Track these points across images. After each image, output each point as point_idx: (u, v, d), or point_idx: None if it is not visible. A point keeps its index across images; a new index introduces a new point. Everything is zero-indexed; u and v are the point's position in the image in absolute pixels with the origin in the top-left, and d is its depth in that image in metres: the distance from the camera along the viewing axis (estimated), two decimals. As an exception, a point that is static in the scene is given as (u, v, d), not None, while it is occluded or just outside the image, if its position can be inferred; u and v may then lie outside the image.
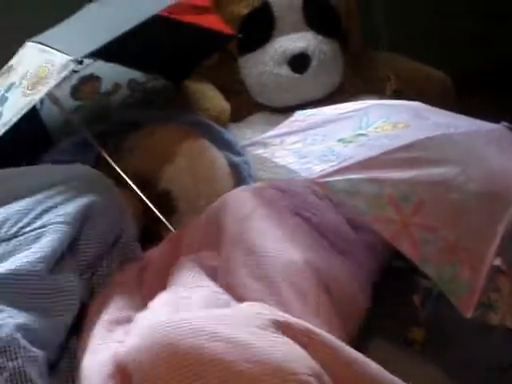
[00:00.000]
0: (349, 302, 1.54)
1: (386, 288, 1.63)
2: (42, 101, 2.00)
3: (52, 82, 1.61)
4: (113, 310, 1.50)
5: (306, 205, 1.70)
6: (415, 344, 1.51)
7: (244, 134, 2.25)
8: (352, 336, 1.48)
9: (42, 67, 1.65)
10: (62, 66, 1.62)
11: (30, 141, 2.02)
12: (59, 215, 1.51)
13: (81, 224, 1.54)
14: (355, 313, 1.55)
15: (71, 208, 1.53)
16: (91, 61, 2.04)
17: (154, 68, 2.14)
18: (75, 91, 2.12)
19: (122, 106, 2.17)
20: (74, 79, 2.10)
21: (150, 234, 1.85)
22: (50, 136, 2.09)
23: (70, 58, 1.62)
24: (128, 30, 1.65)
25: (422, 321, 1.53)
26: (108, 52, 1.90)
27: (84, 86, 2.12)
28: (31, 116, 1.98)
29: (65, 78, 1.71)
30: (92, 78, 2.12)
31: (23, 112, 1.61)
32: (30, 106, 1.61)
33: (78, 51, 1.65)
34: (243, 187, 1.84)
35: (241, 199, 1.69)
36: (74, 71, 2.02)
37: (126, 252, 1.64)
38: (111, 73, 2.12)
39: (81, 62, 1.64)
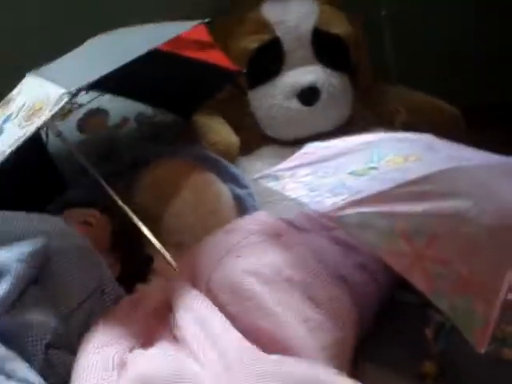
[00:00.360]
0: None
1: (398, 320, 1.62)
2: (47, 134, 2.02)
3: (47, 114, 1.61)
4: (106, 338, 1.50)
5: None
6: (428, 378, 1.49)
7: (253, 167, 2.25)
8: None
9: (38, 99, 1.66)
10: (56, 98, 1.62)
11: (38, 175, 2.04)
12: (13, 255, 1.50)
13: (41, 263, 1.53)
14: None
15: (26, 247, 1.52)
16: (98, 94, 2.06)
17: (161, 102, 2.15)
18: (82, 124, 2.13)
19: (129, 139, 2.18)
20: (81, 113, 2.11)
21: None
22: (58, 170, 2.10)
23: (63, 90, 1.62)
24: (126, 64, 1.65)
25: (434, 355, 1.51)
26: (115, 86, 1.92)
27: (91, 119, 2.13)
28: (37, 149, 2.03)
29: (59, 110, 1.68)
30: (99, 112, 2.14)
31: (18, 144, 1.60)
32: (25, 137, 1.60)
33: (72, 84, 1.65)
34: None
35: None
36: (80, 105, 2.05)
37: (106, 301, 1.63)
38: (119, 106, 2.14)
39: (75, 95, 1.64)
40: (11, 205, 1.89)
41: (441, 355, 1.51)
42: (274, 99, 2.37)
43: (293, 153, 1.86)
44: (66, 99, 1.61)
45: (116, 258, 1.84)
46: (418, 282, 1.44)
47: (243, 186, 2.10)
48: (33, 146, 1.70)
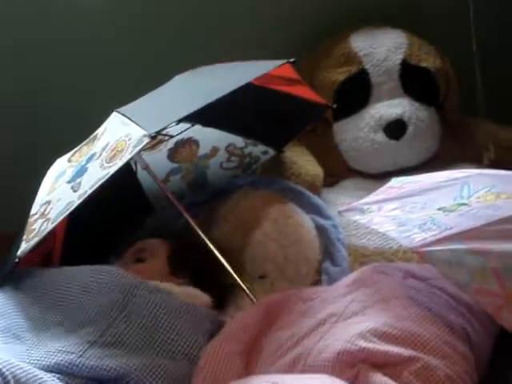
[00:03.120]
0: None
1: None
2: (135, 165, 2.05)
3: (126, 157, 1.63)
4: None
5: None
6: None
7: (337, 199, 2.24)
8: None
9: (120, 140, 1.68)
10: (136, 140, 1.64)
11: (131, 206, 2.08)
12: None
13: None
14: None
15: None
16: (189, 126, 2.09)
17: (252, 134, 2.16)
18: (173, 154, 2.15)
19: (218, 170, 2.20)
20: (172, 143, 2.13)
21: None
22: (149, 200, 2.14)
23: (144, 132, 1.64)
24: (209, 103, 1.66)
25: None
26: (206, 117, 1.94)
27: (182, 148, 2.15)
28: (129, 180, 2.07)
29: (139, 152, 1.72)
30: (190, 142, 2.15)
31: (98, 184, 1.63)
32: (106, 178, 1.63)
33: (154, 125, 1.66)
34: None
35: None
36: (171, 136, 2.08)
37: None
38: (209, 137, 2.15)
39: (154, 137, 1.66)
40: (102, 233, 1.96)
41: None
42: (359, 132, 2.35)
43: (378, 186, 1.85)
44: (145, 141, 1.63)
45: (184, 279, 1.84)
46: (507, 323, 1.41)
47: (327, 217, 2.09)
48: (124, 174, 1.72)
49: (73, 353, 1.51)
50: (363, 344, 1.45)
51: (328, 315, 1.58)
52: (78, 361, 1.49)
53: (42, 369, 1.47)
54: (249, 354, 1.59)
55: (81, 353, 1.51)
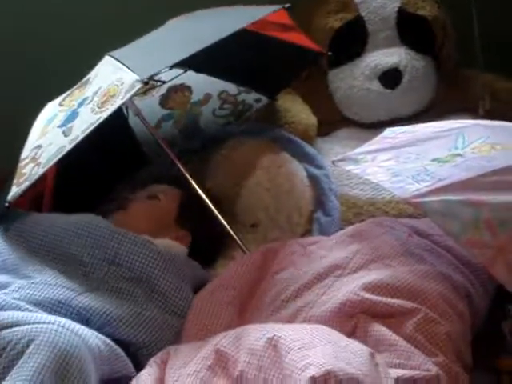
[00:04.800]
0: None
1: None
2: (127, 110, 2.04)
3: (118, 102, 1.61)
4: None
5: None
6: (504, 373, 1.47)
7: (331, 149, 2.23)
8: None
9: (113, 85, 1.66)
10: (129, 85, 1.62)
11: (120, 150, 2.07)
12: None
13: None
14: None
15: None
16: (182, 71, 2.06)
17: (245, 80, 2.14)
18: (165, 100, 2.13)
19: (210, 117, 2.18)
20: (164, 88, 2.11)
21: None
22: (138, 144, 2.13)
23: (136, 77, 1.62)
24: (204, 48, 1.65)
25: (508, 348, 1.48)
26: (199, 63, 1.92)
27: (174, 94, 2.13)
28: (120, 126, 2.05)
29: (131, 97, 1.72)
30: (183, 88, 2.13)
31: (90, 129, 1.62)
32: (97, 123, 1.61)
33: (147, 69, 1.65)
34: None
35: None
36: (163, 81, 2.06)
37: None
38: (202, 83, 2.13)
39: (147, 83, 1.64)
40: (93, 178, 1.95)
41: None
42: (354, 80, 2.33)
43: (372, 136, 1.84)
44: (137, 86, 1.61)
45: (186, 231, 1.85)
46: (499, 273, 1.42)
47: (319, 167, 2.08)
48: (115, 119, 1.71)
49: (72, 290, 1.54)
50: (366, 295, 1.47)
51: (331, 266, 1.58)
52: (76, 298, 1.52)
53: (39, 302, 1.49)
54: (243, 302, 1.60)
55: (80, 292, 1.54)
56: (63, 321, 1.41)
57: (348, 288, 1.49)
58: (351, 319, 1.45)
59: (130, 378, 1.44)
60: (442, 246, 1.63)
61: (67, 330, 1.38)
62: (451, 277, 1.55)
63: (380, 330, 1.42)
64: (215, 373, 1.36)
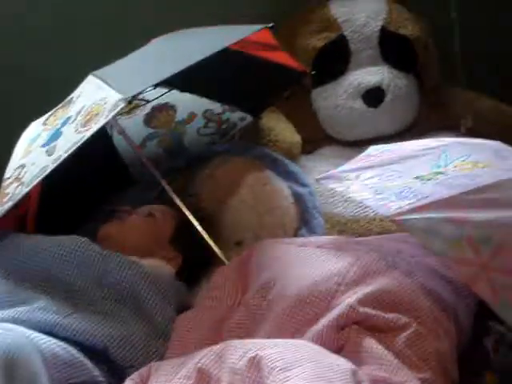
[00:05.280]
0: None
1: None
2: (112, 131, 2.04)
3: (102, 121, 1.61)
4: None
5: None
6: (488, 388, 1.48)
7: (315, 167, 2.24)
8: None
9: (96, 104, 1.66)
10: (112, 104, 1.62)
11: (106, 170, 2.07)
12: None
13: None
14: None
15: None
16: (166, 91, 2.07)
17: (229, 99, 2.14)
18: (150, 119, 2.13)
19: (195, 136, 2.18)
20: (149, 107, 2.11)
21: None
22: (125, 165, 2.13)
23: (120, 96, 1.62)
24: (186, 67, 1.65)
25: (494, 365, 1.49)
26: (183, 82, 1.92)
27: (159, 113, 2.13)
28: (104, 145, 2.06)
29: (115, 116, 1.72)
30: (167, 107, 2.13)
31: (73, 149, 1.61)
32: (81, 142, 1.61)
33: (130, 88, 1.65)
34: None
35: None
36: (147, 101, 2.07)
37: None
38: (187, 102, 2.13)
39: (130, 102, 1.66)
40: (76, 197, 1.95)
41: (501, 366, 1.48)
42: (337, 99, 2.34)
43: (355, 154, 1.85)
44: (121, 105, 1.61)
45: (177, 253, 1.85)
46: (482, 291, 1.42)
47: (303, 185, 2.09)
48: (99, 139, 1.70)
49: (58, 313, 1.53)
50: (361, 309, 1.47)
51: (331, 274, 1.57)
52: (63, 321, 1.51)
53: (26, 325, 1.48)
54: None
55: (65, 314, 1.53)
56: (11, 325, 1.41)
57: (344, 302, 1.49)
58: (344, 331, 1.46)
59: None
60: (429, 266, 1.64)
61: (15, 332, 1.38)
62: (439, 294, 1.56)
63: (370, 343, 1.42)
64: None
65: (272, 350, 1.36)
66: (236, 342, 1.44)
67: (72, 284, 1.61)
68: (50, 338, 1.44)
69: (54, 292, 1.59)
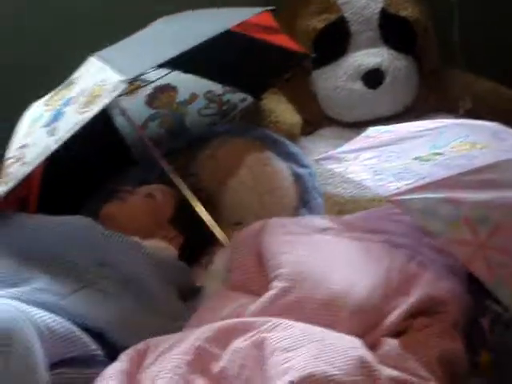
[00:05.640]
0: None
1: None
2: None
3: (103, 102, 1.62)
4: None
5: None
6: (483, 368, 1.48)
7: (315, 148, 2.26)
8: None
9: (97, 85, 1.66)
10: (113, 85, 1.62)
11: (107, 151, 2.08)
12: None
13: None
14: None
15: None
16: (167, 71, 2.08)
17: (231, 80, 2.15)
18: (152, 100, 2.14)
19: (197, 116, 2.19)
20: (151, 88, 2.12)
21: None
22: (126, 145, 2.14)
23: (120, 78, 1.62)
24: (189, 48, 1.65)
25: (490, 345, 1.50)
26: (184, 63, 1.93)
27: (161, 94, 2.14)
28: (106, 125, 2.06)
29: (116, 97, 1.70)
30: (169, 88, 2.14)
31: (75, 130, 1.61)
32: (83, 123, 1.61)
33: (131, 70, 1.66)
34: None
35: None
36: (151, 81, 2.07)
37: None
38: (188, 83, 2.14)
39: (131, 83, 1.66)
40: (79, 177, 1.96)
41: (497, 345, 1.50)
42: (337, 80, 2.36)
43: (355, 135, 1.86)
44: (122, 86, 1.61)
45: (178, 231, 1.86)
46: (479, 270, 1.43)
47: (304, 166, 2.10)
48: (100, 119, 1.70)
49: (57, 294, 1.53)
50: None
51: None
52: (62, 303, 1.51)
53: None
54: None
55: (65, 295, 1.53)
56: (5, 300, 1.42)
57: (392, 315, 1.49)
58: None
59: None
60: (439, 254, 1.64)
61: (9, 306, 1.38)
62: (454, 288, 1.56)
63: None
64: (195, 369, 1.35)
65: (279, 333, 1.36)
66: (243, 321, 1.43)
67: (74, 263, 1.62)
68: (46, 313, 1.44)
69: (56, 271, 1.59)
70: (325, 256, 1.61)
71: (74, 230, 1.67)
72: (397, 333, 1.47)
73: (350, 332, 1.42)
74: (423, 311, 1.51)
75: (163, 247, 1.79)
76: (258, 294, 1.53)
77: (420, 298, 1.51)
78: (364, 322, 1.47)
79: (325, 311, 1.47)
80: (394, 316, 1.48)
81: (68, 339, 1.44)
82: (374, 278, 1.54)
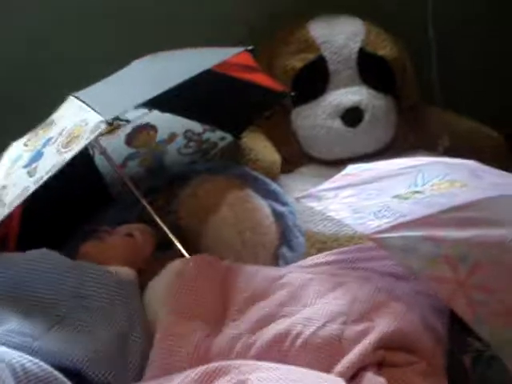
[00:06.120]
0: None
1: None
2: (93, 149, 2.05)
3: (83, 142, 1.62)
4: None
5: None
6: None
7: (295, 186, 2.26)
8: None
9: (77, 125, 1.67)
10: (93, 126, 1.63)
11: (87, 189, 2.07)
12: None
13: None
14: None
15: None
16: (147, 111, 2.08)
17: (210, 120, 2.16)
18: (131, 139, 2.13)
19: (176, 155, 2.20)
20: (130, 128, 2.12)
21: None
22: (106, 184, 2.13)
23: (101, 118, 1.63)
24: (168, 89, 1.67)
25: (471, 382, 1.50)
26: (163, 103, 1.94)
27: (140, 134, 2.14)
28: (85, 165, 2.05)
29: (96, 138, 1.72)
30: (148, 127, 2.14)
31: (55, 170, 1.62)
32: (62, 164, 1.61)
33: (111, 111, 1.66)
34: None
35: None
36: (127, 121, 2.08)
37: None
38: (167, 122, 2.14)
39: (111, 124, 1.66)
40: (57, 217, 1.95)
41: (478, 383, 1.50)
42: (316, 119, 2.37)
43: (335, 173, 1.86)
44: (102, 127, 1.62)
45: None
46: (460, 308, 1.44)
47: (284, 204, 2.11)
48: (80, 159, 1.71)
49: (30, 335, 1.51)
50: (377, 352, 1.48)
51: (334, 313, 1.56)
52: (35, 344, 1.49)
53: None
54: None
55: (37, 336, 1.52)
56: None
57: (356, 349, 1.49)
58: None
59: None
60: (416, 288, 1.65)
61: None
62: (434, 326, 1.57)
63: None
64: None
65: (261, 373, 1.36)
66: (228, 363, 1.43)
67: (45, 298, 1.60)
68: (21, 354, 1.42)
69: (28, 309, 1.58)
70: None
71: (41, 264, 1.65)
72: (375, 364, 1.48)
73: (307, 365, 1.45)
74: (399, 345, 1.50)
75: (123, 270, 1.76)
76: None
77: (387, 329, 1.51)
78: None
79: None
80: (359, 348, 1.48)
81: (45, 379, 1.41)
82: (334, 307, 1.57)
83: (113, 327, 1.58)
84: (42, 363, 1.43)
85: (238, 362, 1.43)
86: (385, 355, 1.49)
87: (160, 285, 1.71)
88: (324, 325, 1.53)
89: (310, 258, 1.86)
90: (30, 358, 1.42)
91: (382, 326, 1.51)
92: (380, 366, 1.48)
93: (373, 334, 1.50)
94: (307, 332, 1.52)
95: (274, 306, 1.60)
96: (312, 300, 1.61)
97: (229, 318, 1.61)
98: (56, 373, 1.44)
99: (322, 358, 1.49)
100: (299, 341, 1.51)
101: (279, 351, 1.51)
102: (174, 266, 1.75)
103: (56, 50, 2.42)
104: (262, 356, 1.50)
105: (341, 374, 1.44)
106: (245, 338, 1.54)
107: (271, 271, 1.75)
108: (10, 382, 1.33)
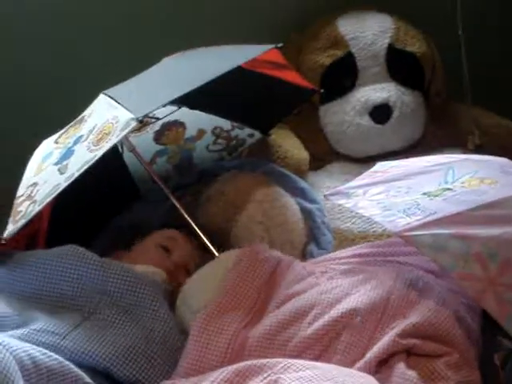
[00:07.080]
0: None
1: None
2: (122, 147, 2.06)
3: (113, 140, 1.62)
4: None
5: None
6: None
7: (323, 183, 2.26)
8: None
9: (108, 123, 1.67)
10: (124, 123, 1.63)
11: (117, 186, 2.09)
12: None
13: None
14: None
15: None
16: (175, 108, 2.09)
17: (239, 116, 2.16)
18: (160, 136, 2.15)
19: (204, 152, 2.20)
20: (158, 125, 2.13)
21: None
22: (134, 181, 2.14)
23: (131, 116, 1.63)
24: (198, 87, 1.66)
25: (501, 381, 1.49)
26: (193, 100, 1.94)
27: (168, 131, 2.15)
28: (115, 162, 2.07)
29: (126, 135, 1.73)
30: (177, 124, 2.15)
31: (85, 167, 1.62)
32: (93, 161, 1.62)
33: (142, 109, 1.66)
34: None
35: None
36: (157, 118, 2.08)
37: None
38: (196, 119, 2.15)
39: (141, 121, 1.65)
40: (87, 214, 1.96)
41: (509, 382, 1.49)
42: (345, 115, 2.36)
43: (363, 170, 1.87)
44: (133, 124, 1.62)
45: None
46: (490, 306, 1.43)
47: (312, 201, 2.10)
48: (110, 156, 1.72)
49: (56, 334, 1.51)
50: (403, 341, 1.48)
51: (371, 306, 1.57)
52: (61, 343, 1.49)
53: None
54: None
55: (64, 334, 1.51)
56: None
57: (386, 336, 1.50)
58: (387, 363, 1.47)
59: None
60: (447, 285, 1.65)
61: None
62: (466, 320, 1.57)
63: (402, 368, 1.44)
64: None
65: (291, 374, 1.35)
66: (260, 362, 1.42)
67: (72, 295, 1.61)
68: (34, 346, 1.41)
69: (55, 307, 1.59)
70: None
71: (68, 260, 1.65)
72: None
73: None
74: (431, 335, 1.50)
75: (153, 271, 1.75)
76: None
77: (419, 319, 1.51)
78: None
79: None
80: (390, 335, 1.49)
81: (59, 372, 1.40)
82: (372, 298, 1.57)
83: (140, 325, 1.58)
84: (56, 356, 1.42)
85: (270, 360, 1.42)
86: (415, 343, 1.48)
87: (209, 276, 1.71)
88: (362, 316, 1.54)
89: (344, 249, 1.86)
90: (44, 350, 1.41)
91: (414, 317, 1.51)
92: (408, 354, 1.48)
93: (404, 323, 1.50)
94: (346, 324, 1.53)
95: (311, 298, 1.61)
96: (349, 291, 1.61)
97: (269, 310, 1.61)
98: (72, 366, 1.43)
99: (356, 348, 1.50)
100: (338, 331, 1.52)
101: (321, 342, 1.52)
102: (225, 257, 1.75)
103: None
104: (304, 348, 1.52)
105: (371, 361, 1.45)
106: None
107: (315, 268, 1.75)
108: (12, 372, 1.30)
